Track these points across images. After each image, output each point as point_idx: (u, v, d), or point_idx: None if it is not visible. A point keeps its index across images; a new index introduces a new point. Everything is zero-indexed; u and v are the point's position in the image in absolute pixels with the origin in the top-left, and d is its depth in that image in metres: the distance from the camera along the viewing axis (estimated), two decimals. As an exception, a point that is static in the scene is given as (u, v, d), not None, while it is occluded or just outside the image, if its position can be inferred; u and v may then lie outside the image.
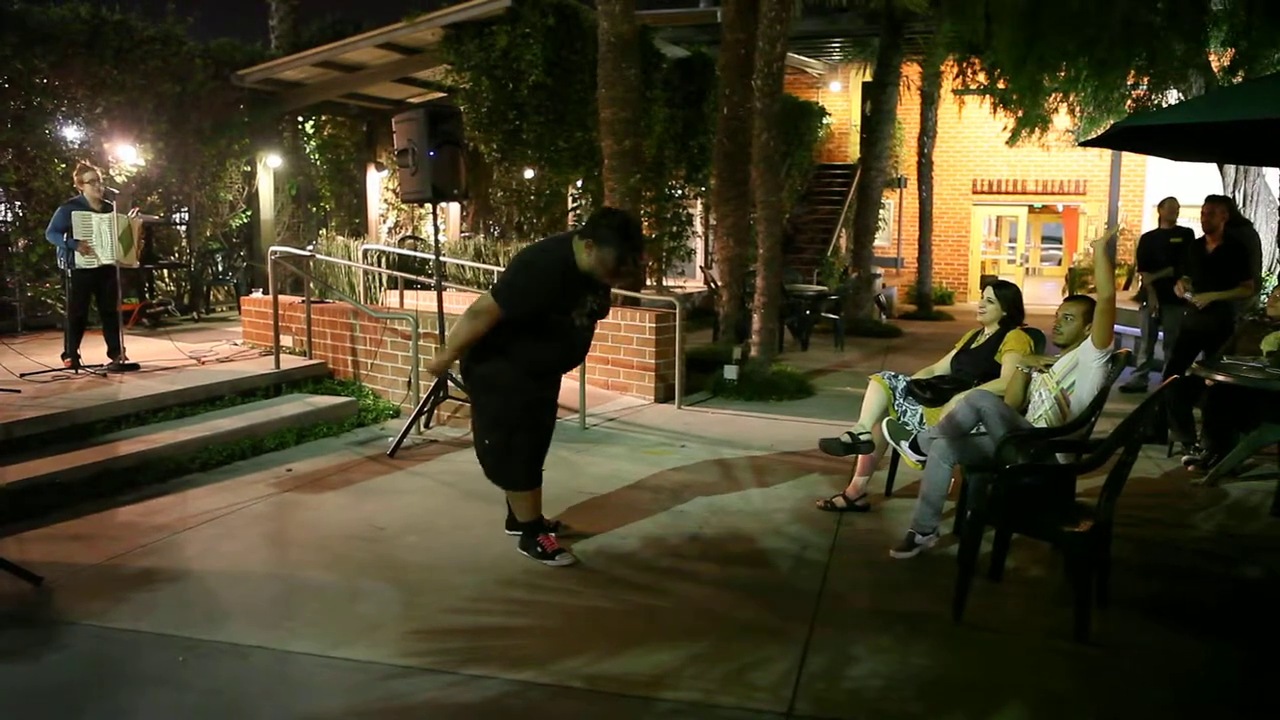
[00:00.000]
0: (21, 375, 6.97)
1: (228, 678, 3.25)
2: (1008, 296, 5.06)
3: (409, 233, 15.56)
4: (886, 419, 4.95)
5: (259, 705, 3.08)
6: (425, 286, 10.94)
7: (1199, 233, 7.07)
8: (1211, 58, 10.10)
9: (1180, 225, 8.59)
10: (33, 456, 5.56)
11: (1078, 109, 11.99)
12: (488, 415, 4.32)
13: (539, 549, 4.34)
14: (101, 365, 7.39)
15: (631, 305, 8.67)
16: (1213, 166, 10.29)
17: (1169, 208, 8.70)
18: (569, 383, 8.09)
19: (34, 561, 4.16)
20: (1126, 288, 12.72)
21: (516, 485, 4.37)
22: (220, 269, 13.10)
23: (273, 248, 8.80)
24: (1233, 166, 9.89)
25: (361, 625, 3.65)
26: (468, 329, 4.08)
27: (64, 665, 3.35)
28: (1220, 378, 5.58)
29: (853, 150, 18.93)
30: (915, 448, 4.72)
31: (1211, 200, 6.86)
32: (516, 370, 4.19)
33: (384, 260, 12.66)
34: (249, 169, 13.06)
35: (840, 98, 19.67)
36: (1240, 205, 9.67)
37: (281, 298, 8.36)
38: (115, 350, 7.50)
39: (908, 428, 4.90)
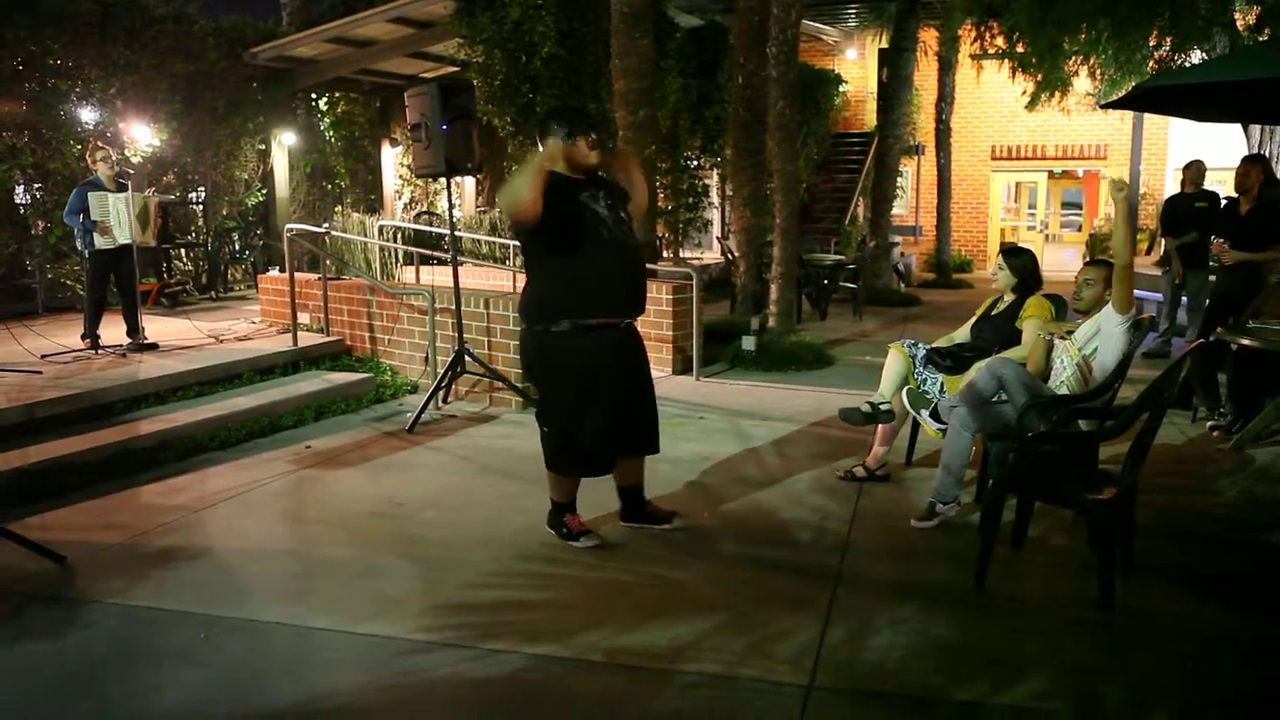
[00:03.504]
0: (42, 356, 7.00)
1: (248, 654, 3.26)
2: (1018, 264, 4.97)
3: (424, 208, 15.53)
4: (907, 387, 4.90)
5: (279, 681, 3.09)
6: (441, 261, 10.91)
7: (1223, 195, 6.96)
8: (1236, 16, 9.89)
9: (1205, 189, 8.45)
10: (54, 437, 5.59)
11: (1098, 71, 11.79)
12: (546, 400, 4.13)
13: (565, 530, 4.23)
14: (121, 345, 7.42)
15: (648, 277, 8.62)
16: (1237, 127, 10.11)
17: (1194, 171, 8.55)
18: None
19: (56, 540, 4.18)
20: (1149, 252, 12.57)
21: (558, 468, 4.16)
22: (237, 248, 13.13)
23: (288, 225, 8.80)
24: (1258, 127, 9.71)
25: (381, 601, 3.65)
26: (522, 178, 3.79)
27: (87, 643, 3.37)
28: (1246, 342, 5.50)
29: (870, 118, 18.70)
30: (936, 416, 4.67)
31: (1247, 160, 6.73)
32: (572, 333, 3.90)
33: (399, 236, 12.62)
34: (263, 147, 13.04)
35: (856, 65, 19.44)
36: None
37: (298, 275, 8.37)
38: (134, 330, 7.53)
39: (928, 396, 4.85)
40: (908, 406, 4.84)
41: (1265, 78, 5.41)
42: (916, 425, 5.19)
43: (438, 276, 10.31)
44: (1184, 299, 8.54)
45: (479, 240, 12.11)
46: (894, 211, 15.28)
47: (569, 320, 3.91)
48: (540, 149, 4.01)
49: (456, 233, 7.42)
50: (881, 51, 15.71)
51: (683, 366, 8.09)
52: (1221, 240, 6.76)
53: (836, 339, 10.01)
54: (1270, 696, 3.04)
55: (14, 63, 10.02)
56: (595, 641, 3.30)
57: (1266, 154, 9.63)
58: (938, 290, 15.38)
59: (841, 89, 18.54)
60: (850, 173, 17.67)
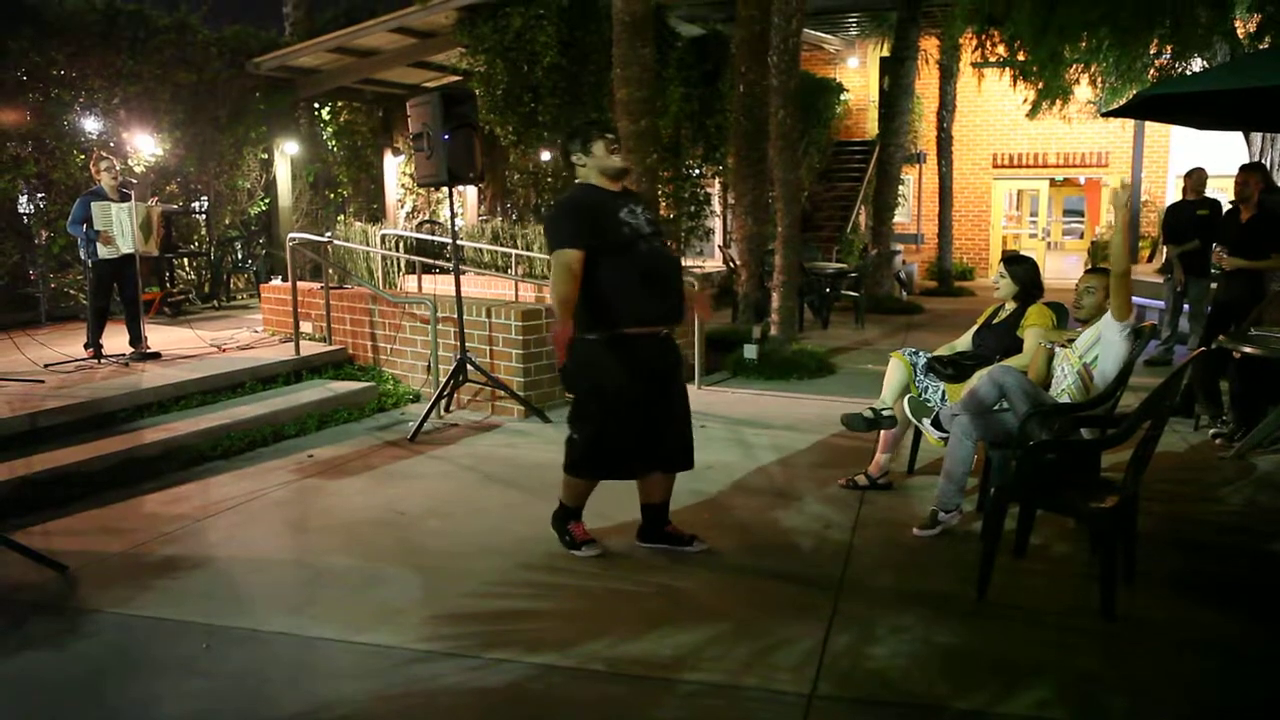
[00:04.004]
0: (45, 366, 7.01)
1: (251, 664, 3.26)
2: (1019, 273, 4.99)
3: (427, 217, 15.56)
4: (908, 396, 4.90)
5: (282, 691, 3.08)
6: (443, 270, 10.94)
7: (1225, 203, 6.96)
8: (1237, 24, 9.91)
9: (1207, 196, 8.45)
10: (57, 446, 5.58)
11: (1099, 79, 11.81)
12: (577, 404, 4.08)
13: (568, 537, 4.21)
14: (124, 355, 7.42)
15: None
16: (1239, 135, 10.12)
17: (1195, 179, 8.56)
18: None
19: (58, 550, 4.19)
20: (1151, 260, 12.57)
21: (578, 471, 4.11)
22: (239, 257, 13.15)
23: (291, 234, 8.82)
24: (1259, 134, 9.72)
25: (383, 610, 3.65)
26: (560, 282, 3.79)
27: (88, 652, 3.37)
28: (1248, 350, 5.50)
29: (871, 126, 18.73)
30: (937, 425, 4.67)
31: (1246, 169, 6.75)
32: (609, 342, 3.88)
33: (402, 245, 12.65)
34: (266, 156, 13.08)
35: (858, 74, 19.47)
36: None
37: (301, 284, 8.38)
38: (137, 339, 7.54)
39: (929, 405, 4.86)
40: (909, 415, 4.84)
41: (1266, 85, 5.41)
42: (918, 434, 5.19)
43: (440, 285, 10.32)
44: (1186, 306, 8.53)
45: (481, 249, 12.12)
46: (896, 220, 15.28)
47: (607, 330, 3.89)
48: (569, 160, 4.06)
49: (458, 242, 7.44)
50: (883, 60, 15.75)
51: (685, 375, 8.07)
52: (1221, 249, 6.75)
53: (838, 347, 10.01)
54: (1273, 704, 3.03)
55: (18, 73, 10.06)
56: (597, 651, 3.30)
57: (1268, 162, 9.65)
58: (939, 298, 15.38)
59: (843, 98, 18.58)
60: (852, 181, 17.68)
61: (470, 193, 15.13)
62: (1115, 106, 6.96)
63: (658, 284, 3.93)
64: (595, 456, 4.07)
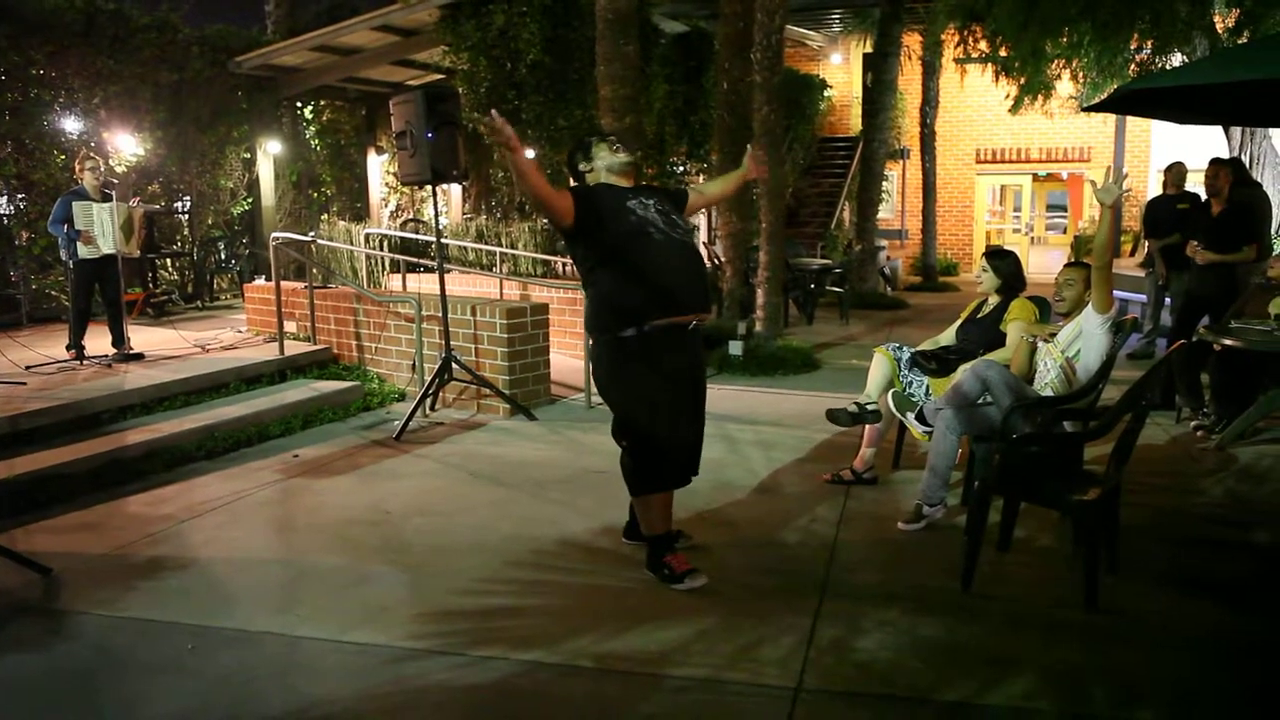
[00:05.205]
0: (27, 368, 6.97)
1: (237, 664, 3.25)
2: (1002, 267, 5.02)
3: (411, 216, 15.53)
4: (892, 390, 4.92)
5: (268, 691, 3.08)
6: (428, 269, 10.93)
7: (1205, 197, 7.00)
8: (1216, 19, 9.99)
9: (1187, 190, 8.51)
10: (39, 448, 5.55)
11: (1081, 74, 11.89)
12: (623, 412, 3.87)
13: (666, 570, 3.84)
14: (106, 356, 7.38)
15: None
16: (1218, 129, 10.19)
17: (1175, 173, 8.62)
18: (573, 362, 8.09)
19: (42, 552, 4.16)
20: (1133, 254, 12.65)
21: (646, 486, 3.87)
22: (223, 257, 13.09)
23: (274, 234, 8.79)
24: (1239, 129, 9.80)
25: (369, 609, 3.65)
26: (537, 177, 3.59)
27: (74, 654, 3.35)
28: (1229, 342, 5.55)
29: (855, 122, 18.76)
30: (921, 419, 4.69)
31: (1216, 163, 6.78)
32: (639, 338, 3.71)
33: (386, 244, 12.64)
34: (249, 156, 13.04)
35: (841, 70, 19.51)
36: (1247, 167, 9.57)
37: (285, 284, 8.35)
38: (120, 340, 7.50)
39: (913, 399, 4.88)
40: (894, 409, 4.86)
41: (1245, 80, 5.44)
42: (903, 428, 5.21)
43: (425, 284, 10.30)
44: (1167, 300, 8.59)
45: (466, 248, 12.11)
46: (880, 215, 15.33)
47: (634, 326, 3.71)
48: (578, 174, 3.98)
49: (443, 240, 7.42)
50: (866, 56, 15.80)
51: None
52: (1196, 243, 6.78)
53: (823, 343, 10.04)
54: (1255, 694, 3.06)
55: (-4, 72, 10.01)
56: (584, 647, 3.31)
57: (1247, 155, 9.72)
58: (924, 293, 15.45)
59: (826, 94, 18.62)
60: (836, 177, 17.72)
61: (454, 191, 15.11)
62: (1096, 101, 6.99)
63: (673, 273, 3.74)
64: (656, 464, 3.85)
